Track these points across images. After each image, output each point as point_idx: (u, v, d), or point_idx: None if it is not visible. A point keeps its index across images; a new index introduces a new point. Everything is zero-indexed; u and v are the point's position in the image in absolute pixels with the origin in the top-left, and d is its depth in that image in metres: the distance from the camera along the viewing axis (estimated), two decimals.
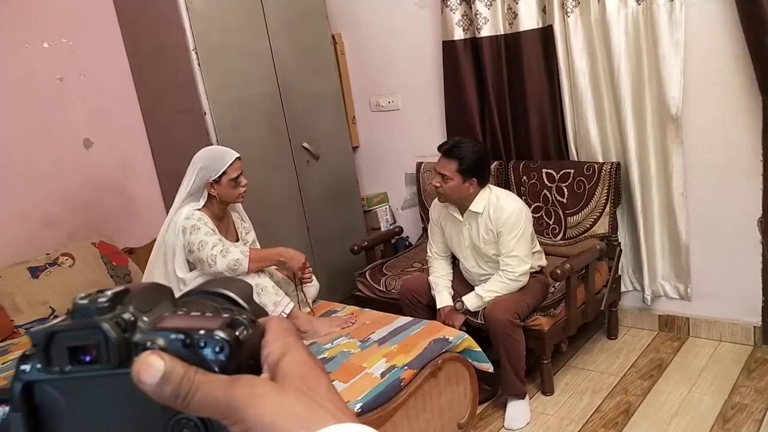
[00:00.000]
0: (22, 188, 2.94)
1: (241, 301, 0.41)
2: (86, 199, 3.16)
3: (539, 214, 3.13)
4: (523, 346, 2.55)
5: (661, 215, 2.97)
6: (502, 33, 3.12)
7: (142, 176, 3.39)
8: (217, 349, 0.34)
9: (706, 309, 3.01)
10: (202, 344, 0.34)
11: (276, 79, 3.22)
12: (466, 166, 2.50)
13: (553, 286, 2.76)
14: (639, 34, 2.77)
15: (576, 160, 3.08)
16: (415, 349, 2.20)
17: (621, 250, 3.05)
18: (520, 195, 3.03)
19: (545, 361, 2.70)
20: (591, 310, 2.88)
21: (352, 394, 1.97)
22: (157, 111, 3.27)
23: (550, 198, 3.09)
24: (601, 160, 3.00)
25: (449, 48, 3.28)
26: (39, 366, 0.35)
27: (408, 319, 2.50)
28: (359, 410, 1.90)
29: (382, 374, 2.08)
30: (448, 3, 3.20)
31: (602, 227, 2.96)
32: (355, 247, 3.32)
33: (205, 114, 2.93)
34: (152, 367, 0.33)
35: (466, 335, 2.35)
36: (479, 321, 2.62)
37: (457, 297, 2.68)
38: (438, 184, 2.56)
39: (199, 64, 2.88)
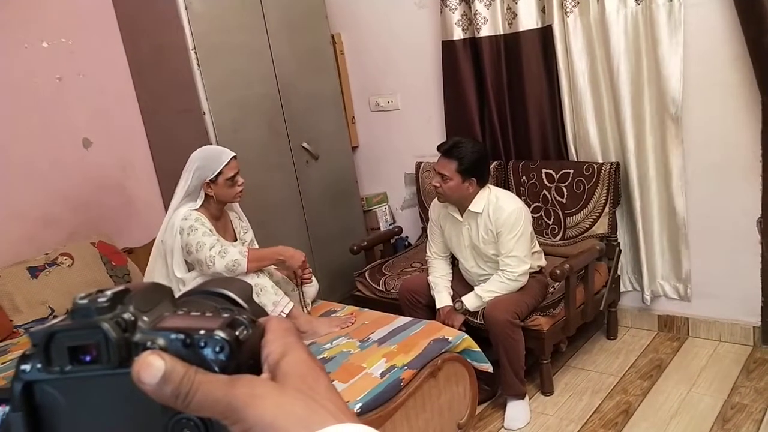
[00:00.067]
0: (21, 188, 2.94)
1: (241, 301, 0.41)
2: (86, 199, 3.16)
3: (539, 214, 3.13)
4: (522, 346, 2.55)
5: (661, 215, 2.97)
6: (502, 33, 3.12)
7: (141, 176, 3.39)
8: (218, 348, 0.34)
9: (706, 309, 3.01)
10: (202, 344, 0.34)
11: (275, 79, 3.22)
12: (465, 166, 2.50)
13: (553, 287, 2.76)
14: (638, 34, 2.77)
15: (575, 160, 3.09)
16: (415, 349, 2.20)
17: (620, 251, 3.05)
18: (519, 195, 3.03)
19: (545, 362, 2.70)
20: (590, 310, 2.88)
21: (352, 394, 1.97)
22: (157, 111, 3.27)
23: (550, 198, 3.09)
24: (600, 161, 3.00)
25: (448, 48, 3.28)
26: (39, 366, 0.35)
27: (407, 319, 2.50)
28: (359, 410, 1.90)
29: (382, 374, 2.08)
30: (448, 3, 3.20)
31: (601, 227, 2.96)
32: (355, 247, 3.32)
33: (204, 114, 2.93)
34: (152, 367, 0.33)
35: (466, 335, 2.35)
36: (479, 321, 2.62)
37: (456, 297, 2.68)
38: (437, 184, 2.56)
39: (198, 64, 2.88)
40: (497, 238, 2.56)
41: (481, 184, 2.58)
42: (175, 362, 0.33)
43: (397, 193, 3.90)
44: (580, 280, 2.79)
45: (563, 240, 3.07)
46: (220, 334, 0.34)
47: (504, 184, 3.19)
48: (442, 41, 3.30)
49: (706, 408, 2.53)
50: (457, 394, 2.32)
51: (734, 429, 2.40)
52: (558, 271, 2.58)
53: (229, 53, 3.01)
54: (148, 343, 0.34)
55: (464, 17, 3.22)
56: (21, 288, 2.73)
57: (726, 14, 2.59)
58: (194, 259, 2.33)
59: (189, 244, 2.32)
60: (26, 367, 0.35)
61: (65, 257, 2.89)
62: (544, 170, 3.10)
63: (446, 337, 2.30)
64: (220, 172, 2.35)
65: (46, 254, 2.88)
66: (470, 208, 2.59)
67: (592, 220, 2.98)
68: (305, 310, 2.61)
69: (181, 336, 0.34)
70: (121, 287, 0.36)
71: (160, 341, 0.34)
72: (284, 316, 2.35)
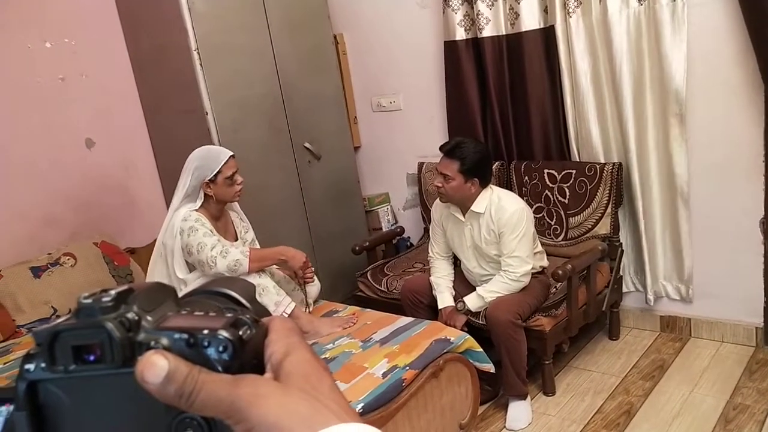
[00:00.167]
0: (24, 188, 2.95)
1: (244, 301, 0.41)
2: (88, 199, 3.16)
3: (541, 215, 3.12)
4: (524, 347, 2.55)
5: (663, 216, 2.97)
6: (504, 33, 3.12)
7: (143, 176, 3.40)
8: (221, 348, 0.34)
9: (708, 310, 3.01)
10: (205, 344, 0.34)
11: (278, 79, 3.22)
12: (467, 166, 2.50)
13: (555, 287, 2.76)
14: (641, 34, 2.77)
15: (578, 160, 3.08)
16: (417, 350, 2.20)
17: (622, 251, 3.05)
18: (521, 195, 3.03)
19: (547, 362, 2.70)
20: (592, 310, 2.88)
21: (354, 395, 1.97)
22: (159, 111, 3.27)
23: (552, 198, 3.09)
24: (602, 161, 3.00)
25: (451, 48, 3.28)
26: (43, 365, 0.35)
27: (409, 319, 2.50)
28: (361, 410, 1.90)
29: (384, 374, 2.08)
30: (450, 3, 3.20)
31: (604, 228, 2.95)
32: (357, 248, 3.32)
33: (206, 114, 2.94)
34: (156, 367, 0.33)
35: (468, 336, 2.35)
36: (481, 321, 2.62)
37: (458, 297, 2.68)
38: (440, 185, 2.56)
39: (200, 65, 2.89)
40: (499, 239, 2.56)
41: (484, 184, 2.58)
42: (179, 362, 0.33)
43: (399, 193, 3.90)
44: (582, 281, 2.79)
45: (565, 240, 3.07)
46: (224, 333, 0.34)
47: (506, 185, 3.19)
48: (445, 41, 3.30)
49: (709, 409, 2.53)
50: (459, 395, 2.32)
51: (736, 430, 2.39)
52: (560, 272, 2.58)
53: (231, 53, 3.01)
54: (152, 343, 0.34)
55: (467, 17, 3.22)
56: (24, 288, 2.74)
57: (729, 14, 2.59)
58: (195, 259, 2.33)
59: (190, 245, 2.32)
60: (30, 366, 0.35)
61: (68, 257, 2.89)
62: (546, 170, 3.10)
63: (448, 337, 2.29)
64: (218, 171, 2.35)
65: (49, 254, 2.89)
66: (472, 208, 2.59)
67: (594, 220, 2.98)
68: (307, 310, 2.61)
69: (185, 336, 0.34)
70: (124, 287, 0.36)
71: (164, 341, 0.34)
72: (286, 316, 2.36)
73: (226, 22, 3.00)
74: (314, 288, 2.68)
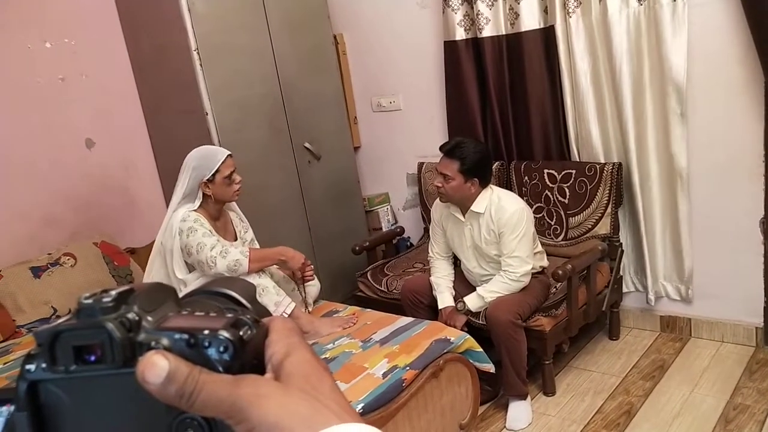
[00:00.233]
0: (24, 188, 2.95)
1: (244, 301, 0.41)
2: (88, 199, 3.16)
3: (541, 215, 3.12)
4: (524, 347, 2.55)
5: (663, 216, 2.97)
6: (504, 33, 3.12)
7: (143, 176, 3.40)
8: (222, 348, 0.34)
9: (708, 310, 3.01)
10: (206, 344, 0.34)
11: (278, 79, 3.22)
12: (467, 166, 2.50)
13: (555, 287, 2.76)
14: (641, 35, 2.77)
15: (577, 160, 3.08)
16: (417, 350, 2.20)
17: (622, 251, 3.05)
18: (521, 195, 3.03)
19: (547, 362, 2.70)
20: (592, 310, 2.88)
21: (354, 395, 1.97)
22: (159, 111, 3.27)
23: (552, 198, 3.09)
24: (602, 161, 3.00)
25: (451, 48, 3.28)
26: (44, 365, 0.35)
27: (409, 319, 2.50)
28: (361, 411, 1.90)
29: (384, 375, 2.08)
30: (450, 3, 3.20)
31: (604, 228, 2.95)
32: (357, 248, 3.32)
33: (206, 114, 2.94)
34: (157, 367, 0.33)
35: (468, 336, 2.35)
36: (481, 321, 2.62)
37: (458, 297, 2.68)
38: (440, 185, 2.56)
39: (200, 65, 2.89)
40: (499, 239, 2.56)
41: (484, 184, 2.58)
42: (180, 362, 0.33)
43: (399, 193, 3.90)
44: (582, 281, 2.79)
45: (565, 240, 3.07)
46: (224, 334, 0.34)
47: (506, 185, 3.19)
48: (445, 41, 3.30)
49: (709, 409, 2.53)
50: (459, 395, 2.32)
51: (737, 430, 2.39)
52: (560, 272, 2.58)
53: (231, 53, 3.01)
54: (153, 343, 0.34)
55: (466, 17, 3.22)
56: (24, 288, 2.74)
57: (731, 14, 2.59)
58: (195, 260, 2.33)
59: (189, 245, 2.32)
60: (31, 366, 0.35)
61: (68, 257, 2.89)
62: (546, 170, 3.10)
63: (448, 337, 2.29)
64: (217, 171, 2.35)
65: (49, 254, 2.89)
66: (472, 208, 2.59)
67: (594, 220, 2.98)
68: (307, 310, 2.61)
69: (185, 336, 0.34)
70: (125, 287, 0.36)
71: (165, 341, 0.34)
72: (286, 316, 2.36)
73: (226, 22, 3.00)
74: (314, 288, 2.68)
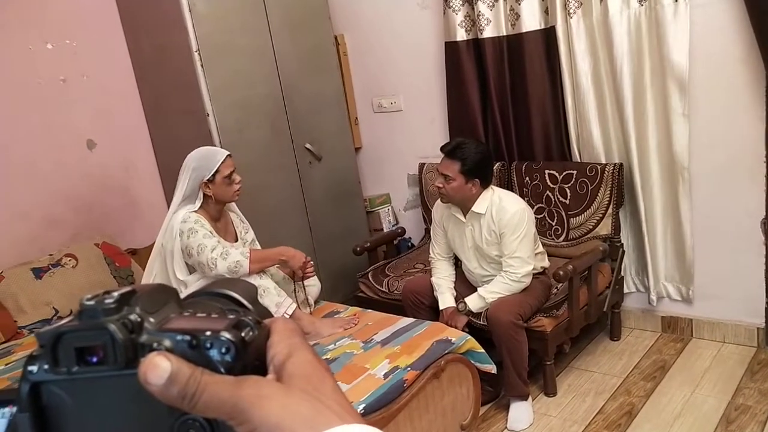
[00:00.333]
0: (25, 189, 2.95)
1: (246, 302, 0.42)
2: (89, 200, 3.17)
3: (542, 216, 3.12)
4: (525, 348, 2.55)
5: (664, 216, 2.97)
6: (505, 34, 3.12)
7: (145, 177, 3.40)
8: (223, 350, 0.35)
9: (709, 310, 3.00)
10: (208, 345, 0.34)
11: (279, 80, 3.22)
12: (468, 166, 2.50)
13: (556, 288, 2.76)
14: (641, 35, 2.77)
15: (579, 161, 3.08)
16: (418, 351, 2.20)
17: (624, 252, 3.04)
18: (522, 196, 3.03)
19: (548, 363, 2.70)
20: (594, 311, 2.88)
21: (355, 395, 1.97)
22: (160, 112, 3.27)
23: (553, 199, 3.09)
24: (603, 161, 3.00)
25: (452, 49, 3.28)
26: (46, 367, 0.35)
27: (411, 320, 2.50)
28: (362, 411, 1.90)
29: (385, 375, 2.08)
30: (451, 4, 3.20)
31: (605, 228, 2.95)
32: (358, 248, 3.32)
33: (207, 115, 2.94)
34: (159, 368, 0.33)
35: (469, 336, 2.35)
36: (482, 322, 2.62)
37: (459, 298, 2.68)
38: (441, 185, 2.56)
39: (201, 65, 2.89)
40: (500, 239, 2.56)
41: (485, 185, 2.58)
42: (182, 363, 0.33)
43: (400, 194, 3.90)
44: (583, 281, 2.79)
45: (566, 241, 3.07)
46: (226, 335, 0.35)
47: (507, 185, 3.19)
48: (445, 42, 3.30)
49: (710, 409, 2.53)
50: (460, 395, 2.32)
51: (738, 430, 2.39)
52: (561, 272, 2.58)
53: (232, 54, 3.02)
54: (155, 344, 0.34)
55: (467, 18, 3.22)
56: (25, 289, 2.74)
57: (733, 14, 2.58)
58: (195, 261, 2.33)
59: (189, 246, 2.31)
60: (33, 368, 0.35)
61: (69, 258, 2.89)
62: (547, 171, 3.10)
63: (449, 338, 2.29)
64: (217, 171, 2.35)
65: (50, 255, 2.89)
66: (473, 209, 2.59)
67: (595, 221, 2.97)
68: (308, 310, 2.61)
69: (187, 337, 0.34)
70: (127, 288, 0.36)
71: (167, 342, 0.34)
72: (287, 317, 2.36)
73: (227, 22, 3.00)
74: (315, 288, 2.68)
